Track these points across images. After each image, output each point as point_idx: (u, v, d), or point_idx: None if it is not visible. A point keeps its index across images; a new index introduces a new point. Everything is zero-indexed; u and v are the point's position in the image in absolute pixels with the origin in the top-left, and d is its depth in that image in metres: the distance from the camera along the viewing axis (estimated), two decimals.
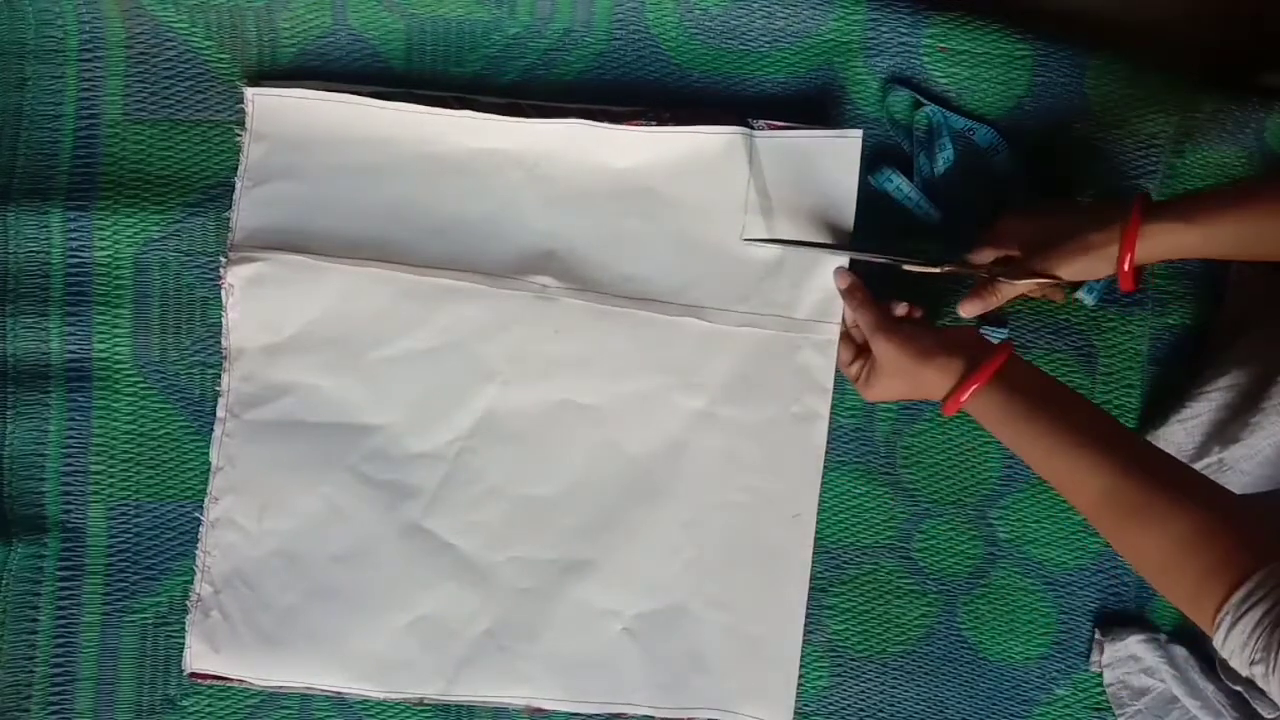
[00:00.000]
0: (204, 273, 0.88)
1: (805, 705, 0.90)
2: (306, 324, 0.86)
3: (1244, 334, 0.87)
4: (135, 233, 0.87)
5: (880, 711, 0.91)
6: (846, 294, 0.84)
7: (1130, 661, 0.90)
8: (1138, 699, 0.90)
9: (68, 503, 0.88)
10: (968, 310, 0.84)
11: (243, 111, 0.87)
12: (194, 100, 0.88)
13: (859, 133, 0.85)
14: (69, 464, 0.88)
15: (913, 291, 0.85)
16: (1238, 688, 0.86)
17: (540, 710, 0.87)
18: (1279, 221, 0.73)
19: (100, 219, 0.87)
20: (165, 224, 0.88)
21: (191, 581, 0.87)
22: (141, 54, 0.88)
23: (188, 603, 0.86)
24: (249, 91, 0.86)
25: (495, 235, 0.87)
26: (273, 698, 0.88)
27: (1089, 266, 0.78)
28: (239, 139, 0.87)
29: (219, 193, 0.88)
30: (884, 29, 0.89)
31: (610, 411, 0.87)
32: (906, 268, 0.83)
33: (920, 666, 0.91)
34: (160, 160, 0.88)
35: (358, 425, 0.86)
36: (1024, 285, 0.81)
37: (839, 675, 0.91)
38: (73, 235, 0.87)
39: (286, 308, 0.86)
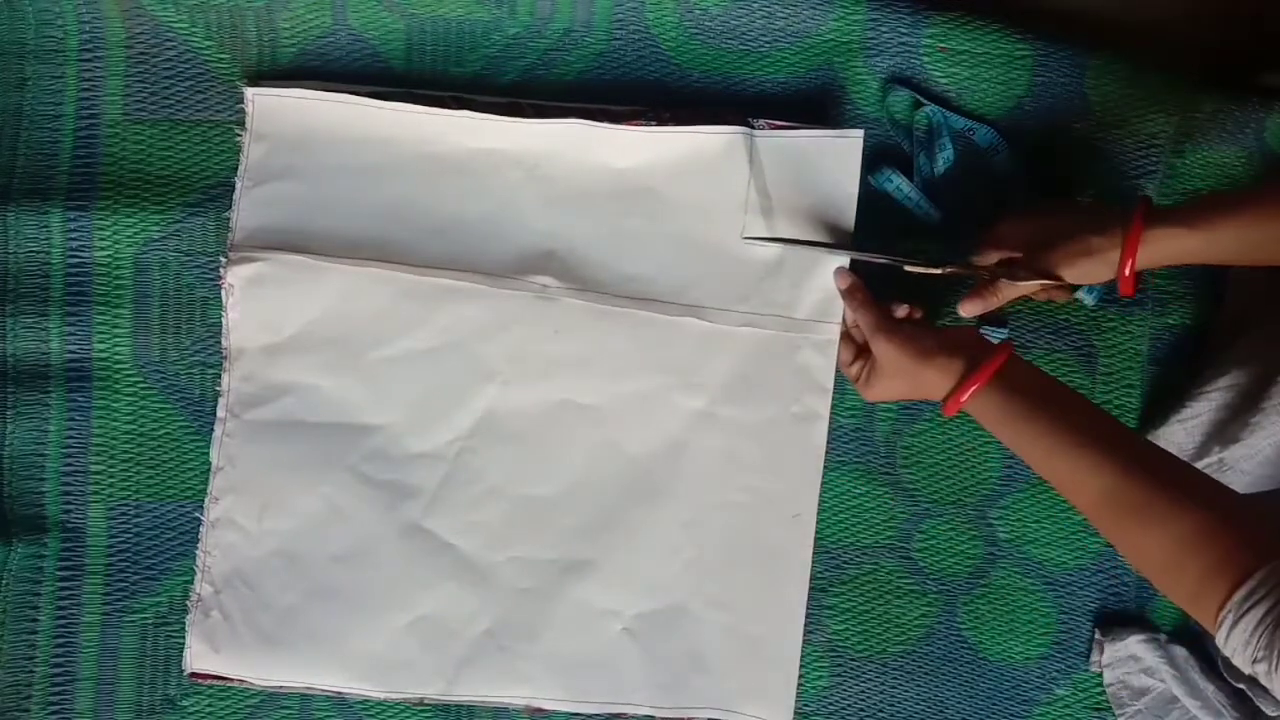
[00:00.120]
0: (204, 273, 0.88)
1: (805, 705, 0.90)
2: (306, 324, 0.86)
3: (1244, 334, 0.87)
4: (135, 233, 0.87)
5: (880, 711, 0.91)
6: (847, 294, 0.84)
7: (1130, 661, 0.90)
8: (1138, 699, 0.90)
9: (68, 503, 0.88)
10: (968, 310, 0.84)
11: (243, 111, 0.87)
12: (194, 100, 0.88)
13: (860, 133, 0.85)
14: (69, 464, 0.88)
15: (913, 292, 0.85)
16: (1240, 686, 0.86)
17: (540, 710, 0.87)
18: None
19: (100, 219, 0.87)
20: (165, 224, 0.88)
21: (191, 581, 0.87)
22: (141, 54, 0.88)
23: (188, 603, 0.86)
24: (249, 91, 0.86)
25: (495, 235, 0.87)
26: (273, 698, 0.88)
27: (1090, 270, 0.78)
28: (239, 139, 0.87)
29: (219, 193, 0.88)
30: (884, 29, 0.89)
31: (610, 411, 0.87)
32: (908, 269, 0.83)
33: (920, 666, 0.91)
34: (160, 160, 0.88)
35: (358, 425, 0.86)
36: (1026, 286, 0.81)
37: (839, 675, 0.91)
38: (73, 235, 0.87)
39: (286, 308, 0.86)
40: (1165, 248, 0.76)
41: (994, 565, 0.92)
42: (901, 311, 0.83)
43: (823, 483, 0.88)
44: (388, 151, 0.86)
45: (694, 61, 0.90)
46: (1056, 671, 0.92)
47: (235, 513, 0.86)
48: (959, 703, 0.92)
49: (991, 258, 0.83)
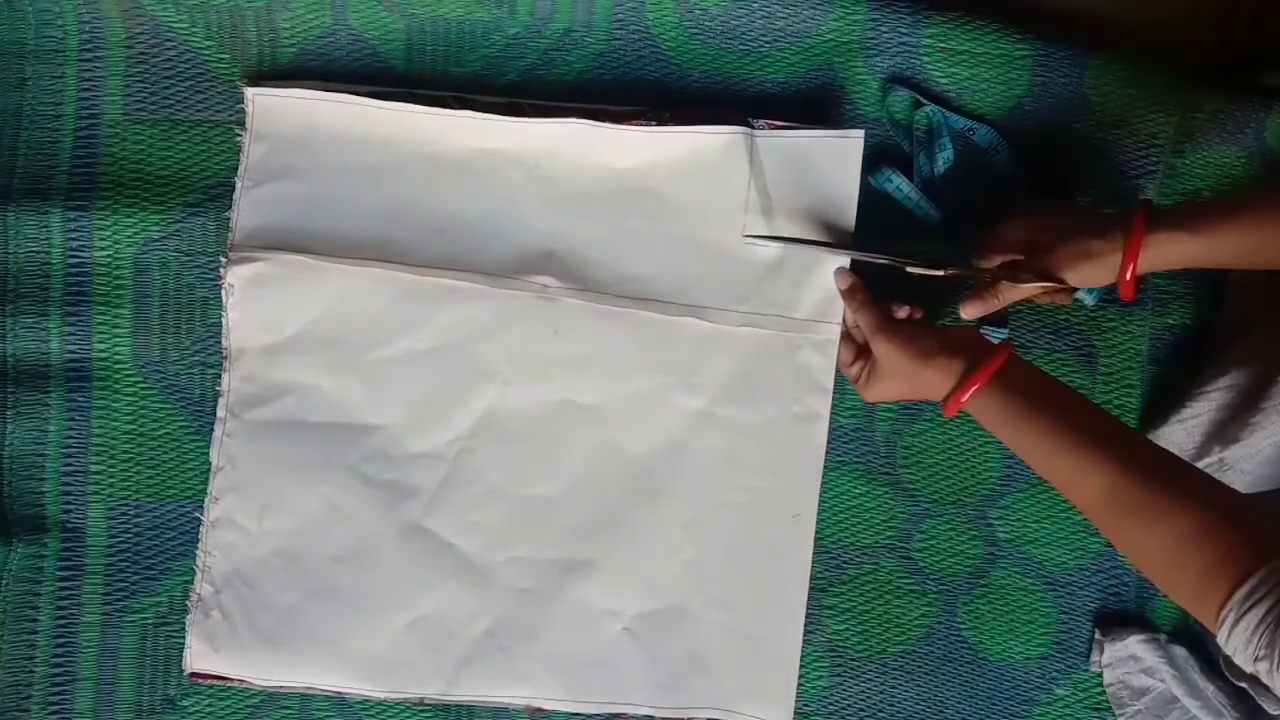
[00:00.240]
0: (204, 273, 0.88)
1: (805, 705, 0.90)
2: (307, 324, 0.86)
3: (1244, 334, 0.87)
4: (135, 233, 0.87)
5: (880, 711, 0.91)
6: (847, 294, 0.84)
7: (1130, 661, 0.90)
8: (1138, 699, 0.90)
9: (68, 503, 0.88)
10: (969, 312, 0.84)
11: (243, 111, 0.87)
12: (194, 100, 0.88)
13: (861, 133, 0.85)
14: (69, 464, 0.88)
15: (914, 293, 0.85)
16: (1242, 684, 0.86)
17: (540, 710, 0.87)
18: None
19: (100, 219, 0.87)
20: (165, 224, 0.88)
21: (191, 581, 0.87)
22: (141, 54, 0.88)
23: (188, 603, 0.86)
24: (249, 91, 0.86)
25: (495, 235, 0.87)
26: (273, 698, 0.88)
27: (1091, 274, 0.78)
28: (239, 139, 0.87)
29: (219, 193, 0.88)
30: (884, 29, 0.89)
31: (610, 411, 0.87)
32: (910, 269, 0.83)
33: (920, 666, 0.91)
34: (160, 160, 0.88)
35: (358, 425, 0.86)
36: (1027, 289, 0.81)
37: (839, 675, 0.91)
38: (73, 235, 0.87)
39: (287, 308, 0.86)
40: (1166, 252, 0.76)
41: (994, 565, 0.92)
42: (902, 312, 0.83)
43: (823, 483, 0.88)
44: (388, 151, 0.86)
45: (694, 61, 0.90)
46: (1056, 671, 0.92)
47: (235, 513, 0.86)
48: (959, 703, 0.92)
49: (993, 260, 0.83)
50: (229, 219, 0.86)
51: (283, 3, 0.87)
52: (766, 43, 0.90)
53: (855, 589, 0.91)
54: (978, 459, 0.91)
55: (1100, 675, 0.91)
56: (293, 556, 0.86)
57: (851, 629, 0.91)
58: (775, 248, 0.86)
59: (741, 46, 0.90)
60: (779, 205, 0.86)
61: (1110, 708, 0.91)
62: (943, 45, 0.89)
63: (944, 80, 0.90)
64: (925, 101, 0.89)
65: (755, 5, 0.89)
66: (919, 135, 0.90)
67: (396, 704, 0.88)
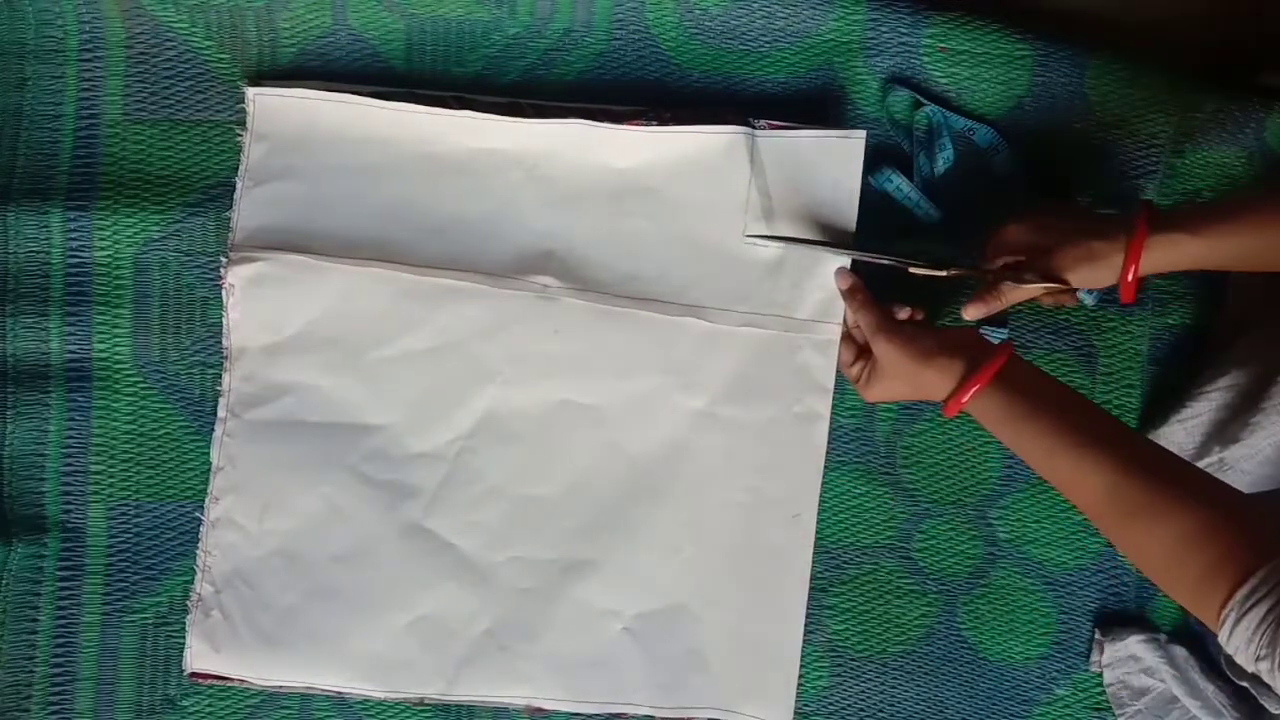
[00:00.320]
0: (204, 273, 0.88)
1: (805, 705, 0.90)
2: (307, 324, 0.86)
3: (1244, 334, 0.88)
4: (135, 233, 0.87)
5: (880, 711, 0.91)
6: (848, 295, 0.84)
7: (1130, 661, 0.90)
8: (1138, 699, 0.90)
9: (68, 503, 0.88)
10: (972, 313, 0.84)
11: (243, 111, 0.87)
12: (194, 100, 0.88)
13: (862, 133, 0.85)
14: (69, 464, 0.88)
15: (914, 293, 0.85)
16: (1243, 683, 0.86)
17: (540, 710, 0.87)
18: None
19: (100, 219, 0.87)
20: (165, 224, 0.88)
21: (191, 581, 0.87)
22: (141, 54, 0.88)
23: (188, 602, 0.86)
24: (250, 91, 0.86)
25: (495, 235, 0.87)
26: (273, 698, 0.88)
27: (1093, 275, 0.78)
28: (239, 139, 0.87)
29: (219, 193, 0.88)
30: (884, 29, 0.89)
31: (610, 411, 0.87)
32: (913, 270, 0.83)
33: (920, 666, 0.91)
34: (160, 160, 0.88)
35: (358, 425, 0.86)
36: (1030, 290, 0.81)
37: (839, 675, 0.91)
38: (73, 235, 0.87)
39: (287, 308, 0.86)
40: (1168, 254, 0.76)
41: (994, 565, 0.92)
42: (903, 313, 0.83)
43: (823, 483, 0.88)
44: (388, 151, 0.86)
45: (694, 61, 0.90)
46: (1056, 671, 0.92)
47: (235, 513, 0.86)
48: (959, 703, 0.92)
49: (995, 261, 0.83)
50: (229, 219, 0.86)
51: (283, 3, 0.87)
52: (766, 43, 0.90)
53: (855, 589, 0.91)
54: (978, 459, 0.91)
55: (1100, 675, 0.91)
56: (293, 556, 0.86)
57: (851, 629, 0.91)
58: (775, 248, 0.86)
59: (741, 46, 0.90)
60: (780, 205, 0.86)
61: (1110, 708, 0.91)
62: (943, 45, 0.89)
63: (944, 80, 0.90)
64: (925, 101, 0.89)
65: (755, 5, 0.89)
66: (919, 135, 0.90)
67: (396, 704, 0.88)
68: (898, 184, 0.89)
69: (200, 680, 0.86)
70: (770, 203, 0.86)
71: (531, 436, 0.87)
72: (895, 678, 0.91)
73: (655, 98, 0.89)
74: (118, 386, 0.88)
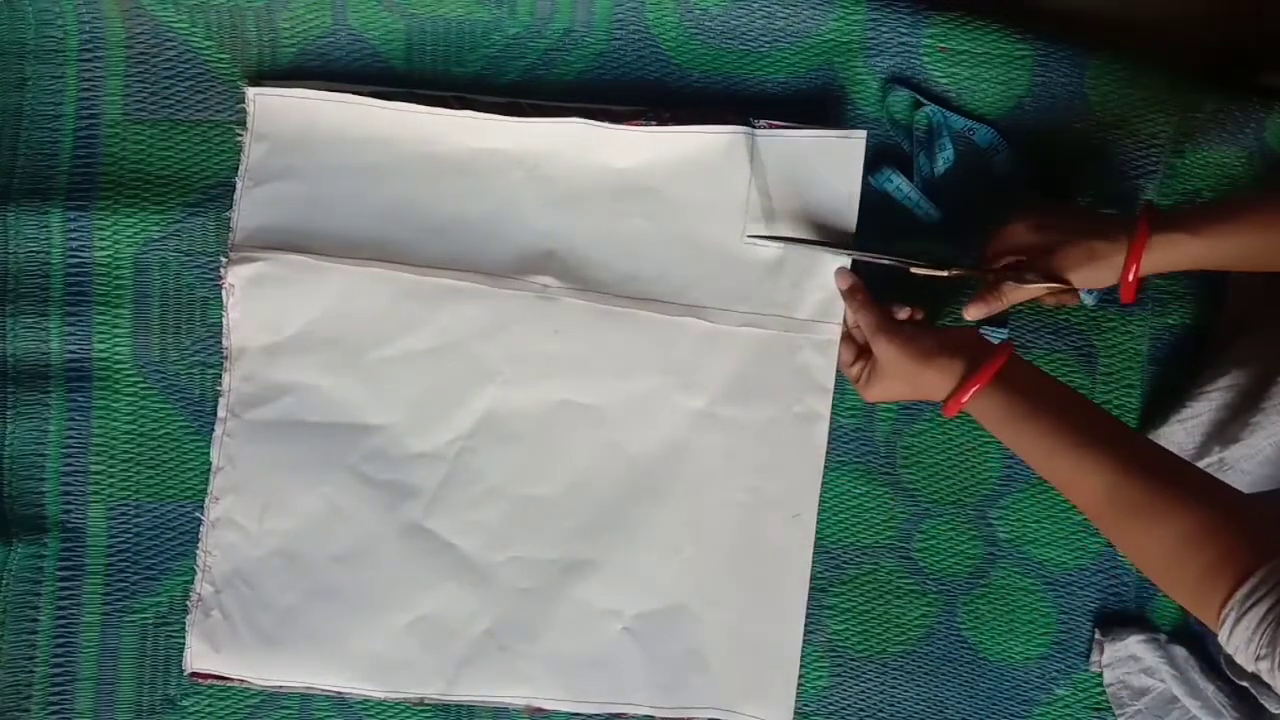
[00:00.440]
0: (204, 273, 0.88)
1: (805, 705, 0.90)
2: (307, 324, 0.86)
3: (1244, 334, 0.88)
4: (135, 233, 0.87)
5: (880, 711, 0.91)
6: (848, 295, 0.84)
7: (1130, 661, 0.90)
8: (1138, 699, 0.90)
9: (68, 503, 0.88)
10: (973, 314, 0.84)
11: (243, 111, 0.87)
12: (194, 100, 0.88)
13: (863, 134, 0.85)
14: (69, 464, 0.88)
15: (914, 293, 0.85)
16: (1243, 683, 0.86)
17: (540, 710, 0.87)
18: None
19: (100, 219, 0.87)
20: (165, 224, 0.88)
21: (191, 581, 0.87)
22: (141, 54, 0.88)
23: (188, 602, 0.86)
24: (251, 91, 0.86)
25: (495, 235, 0.87)
26: (273, 698, 0.88)
27: (1094, 275, 0.78)
28: (239, 139, 0.87)
29: (219, 193, 0.88)
30: (884, 29, 0.89)
31: (611, 411, 0.87)
32: (915, 270, 0.83)
33: (920, 666, 0.91)
34: (160, 160, 0.88)
35: (358, 425, 0.86)
36: (1033, 290, 0.81)
37: (839, 675, 0.91)
38: (73, 235, 0.87)
39: (287, 308, 0.86)
40: (1169, 255, 0.76)
41: (994, 565, 0.92)
42: (903, 313, 0.83)
43: (823, 483, 0.88)
44: (388, 151, 0.86)
45: (694, 61, 0.90)
46: (1056, 671, 0.92)
47: (235, 513, 0.86)
48: (959, 703, 0.92)
49: (996, 261, 0.83)
50: (229, 219, 0.86)
51: (283, 3, 0.87)
52: (766, 43, 0.90)
53: (855, 589, 0.91)
54: (978, 459, 0.91)
55: (1100, 675, 0.91)
56: (293, 556, 0.86)
57: (851, 629, 0.91)
58: (776, 248, 0.86)
59: (741, 46, 0.90)
60: (780, 205, 0.86)
61: (1110, 708, 0.91)
62: (943, 45, 0.89)
63: (944, 80, 0.90)
64: (925, 101, 0.89)
65: (755, 5, 0.89)
66: (919, 135, 0.90)
67: (396, 704, 0.88)
68: (898, 184, 0.89)
69: (200, 680, 0.86)
70: (770, 203, 0.86)
71: (531, 436, 0.87)
72: (895, 678, 0.91)
73: (655, 98, 0.89)
74: (118, 386, 0.88)
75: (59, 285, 0.87)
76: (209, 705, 0.88)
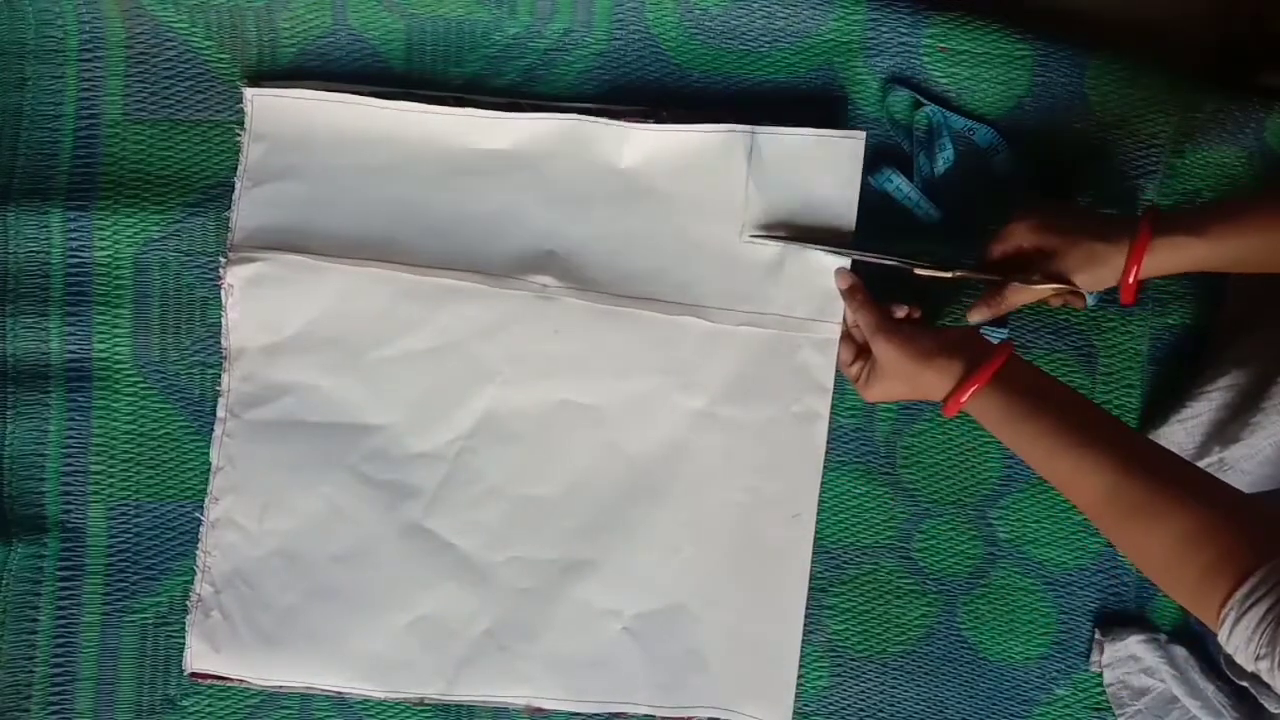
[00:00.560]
0: (204, 273, 0.88)
1: (805, 705, 0.90)
2: (306, 324, 0.86)
3: (1244, 334, 0.87)
4: (135, 233, 0.87)
5: (880, 711, 0.91)
6: (847, 295, 0.84)
7: (1130, 661, 0.90)
8: (1138, 699, 0.90)
9: (68, 503, 0.88)
10: (976, 317, 0.84)
11: (243, 111, 0.87)
12: (194, 100, 0.89)
13: (863, 134, 0.85)
14: (69, 464, 0.88)
15: (914, 293, 0.85)
16: (1243, 683, 0.86)
17: (540, 710, 0.87)
18: None
19: (100, 219, 0.87)
20: (165, 224, 0.88)
21: (191, 581, 0.87)
22: (141, 54, 0.88)
23: (188, 603, 0.86)
24: (248, 92, 0.86)
25: (495, 235, 0.87)
26: (273, 698, 0.88)
27: (1096, 277, 0.78)
28: (239, 139, 0.87)
29: (219, 193, 0.88)
30: (884, 29, 0.89)
31: (610, 411, 0.87)
32: (918, 271, 0.83)
33: (920, 666, 0.91)
34: (160, 160, 0.88)
35: (358, 425, 0.86)
36: (1038, 290, 0.81)
37: (839, 675, 0.91)
38: (73, 235, 0.87)
39: (286, 308, 0.86)
40: (1171, 257, 0.76)
41: (994, 565, 0.92)
42: (901, 312, 0.83)
43: (823, 483, 0.88)
44: (388, 151, 0.86)
45: (694, 61, 0.90)
46: (1056, 671, 0.92)
47: (235, 513, 0.86)
48: (959, 703, 0.92)
49: (998, 262, 0.83)
50: (229, 219, 0.86)
51: (283, 3, 0.87)
52: (766, 43, 0.90)
53: (855, 589, 0.91)
54: (978, 459, 0.91)
55: (1100, 675, 0.91)
56: (293, 556, 0.86)
57: (851, 629, 0.91)
58: (775, 247, 0.86)
59: (741, 46, 0.90)
60: (779, 205, 0.86)
61: (1110, 708, 0.91)
62: (943, 45, 0.89)
63: (944, 80, 0.90)
64: (925, 101, 0.89)
65: (755, 5, 0.89)
66: (919, 135, 0.90)
67: (396, 704, 0.88)
68: (898, 184, 0.89)
69: (200, 680, 0.87)
70: (770, 202, 0.86)
71: (531, 436, 0.87)
72: (895, 678, 0.91)
73: (655, 98, 0.89)
74: (118, 386, 0.88)
75: (59, 285, 0.87)
76: (209, 705, 0.88)
